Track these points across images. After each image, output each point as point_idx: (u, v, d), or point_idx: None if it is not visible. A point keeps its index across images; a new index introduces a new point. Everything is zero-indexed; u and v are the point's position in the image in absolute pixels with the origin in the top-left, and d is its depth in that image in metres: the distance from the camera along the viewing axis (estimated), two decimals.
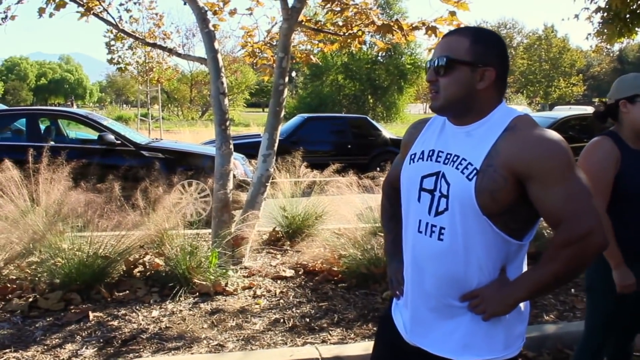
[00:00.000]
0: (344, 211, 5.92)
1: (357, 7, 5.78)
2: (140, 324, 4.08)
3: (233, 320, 4.19)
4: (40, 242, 4.83)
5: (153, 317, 4.21)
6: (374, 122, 14.67)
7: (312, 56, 6.79)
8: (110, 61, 18.42)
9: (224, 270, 4.85)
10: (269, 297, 4.68)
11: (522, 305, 1.74)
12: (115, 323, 4.09)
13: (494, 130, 1.67)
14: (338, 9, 5.81)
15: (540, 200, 1.61)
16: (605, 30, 9.63)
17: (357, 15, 5.88)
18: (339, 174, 6.92)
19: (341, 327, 4.12)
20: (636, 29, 9.33)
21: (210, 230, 5.58)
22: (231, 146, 5.45)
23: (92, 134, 9.03)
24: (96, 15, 6.20)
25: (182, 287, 4.59)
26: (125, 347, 3.75)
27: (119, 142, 8.24)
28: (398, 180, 1.94)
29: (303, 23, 5.84)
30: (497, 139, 1.65)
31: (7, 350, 3.65)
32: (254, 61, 6.82)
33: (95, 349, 3.71)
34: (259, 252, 5.90)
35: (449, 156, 1.72)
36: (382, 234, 2.22)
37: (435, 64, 1.70)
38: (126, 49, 18.55)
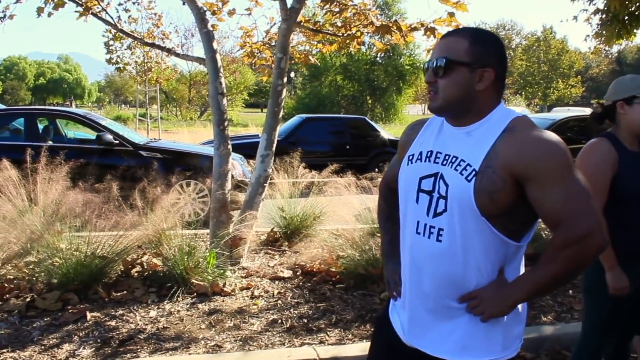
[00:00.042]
0: (342, 212, 5.92)
1: (355, 7, 5.78)
2: (138, 324, 4.08)
3: (231, 320, 4.19)
4: (37, 242, 4.82)
5: (151, 318, 4.20)
6: (372, 123, 14.68)
7: (310, 57, 6.79)
8: (109, 61, 18.43)
9: (222, 271, 4.84)
10: (266, 297, 4.68)
11: (519, 306, 1.74)
12: (113, 323, 4.09)
13: (493, 132, 1.67)
14: (337, 9, 5.81)
15: (539, 202, 1.61)
16: (604, 32, 9.64)
17: (356, 16, 5.88)
18: (338, 175, 6.92)
19: (339, 327, 4.12)
20: (635, 30, 9.35)
21: (208, 231, 5.58)
22: (229, 146, 5.45)
23: (91, 134, 9.02)
24: (95, 15, 6.20)
25: (179, 287, 4.59)
26: (123, 347, 3.74)
27: (117, 142, 8.23)
28: (395, 181, 1.94)
29: (302, 23, 5.84)
30: (495, 140, 1.65)
31: (5, 350, 3.64)
32: (253, 61, 6.82)
33: (93, 349, 3.70)
34: (257, 253, 5.89)
35: (447, 157, 1.71)
36: (380, 235, 2.22)
37: (434, 65, 1.70)
38: (125, 49, 18.59)
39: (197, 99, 48.77)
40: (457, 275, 1.69)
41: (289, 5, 5.30)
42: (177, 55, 6.84)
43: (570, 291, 4.88)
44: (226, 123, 5.44)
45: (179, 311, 4.32)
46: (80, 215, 5.09)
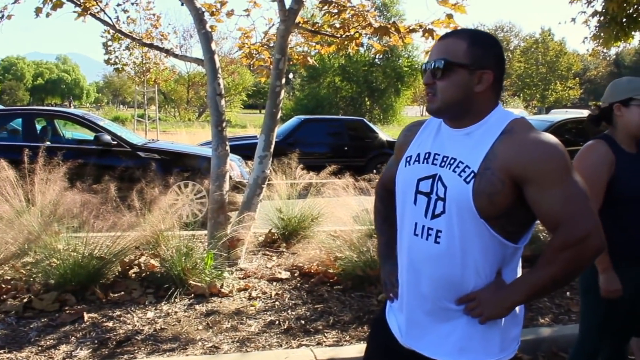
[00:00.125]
0: (340, 213, 5.91)
1: (354, 9, 5.78)
2: (135, 325, 4.07)
3: (228, 322, 4.19)
4: (35, 243, 4.81)
5: (148, 319, 4.20)
6: (370, 125, 14.68)
7: (309, 58, 6.79)
8: (107, 62, 18.41)
9: (220, 272, 4.84)
10: (264, 299, 4.67)
11: (517, 308, 1.74)
12: (110, 324, 4.08)
13: (491, 133, 1.67)
14: (335, 11, 5.81)
15: (538, 203, 1.61)
16: (602, 34, 9.66)
17: (354, 18, 5.88)
18: (336, 176, 6.92)
19: (336, 329, 4.12)
20: (632, 33, 9.36)
21: (206, 232, 5.58)
22: (227, 147, 5.44)
23: (89, 135, 9.02)
24: (93, 15, 6.19)
25: (177, 288, 4.58)
26: (120, 348, 3.74)
27: (115, 142, 8.23)
28: (392, 183, 1.94)
29: (300, 25, 5.84)
30: (494, 141, 1.65)
31: (1, 351, 3.64)
32: (251, 62, 6.82)
33: (90, 350, 3.69)
34: (254, 254, 5.89)
35: (445, 159, 1.71)
36: (377, 237, 2.22)
37: (432, 67, 1.69)
38: (123, 50, 18.57)
39: (196, 99, 48.77)
40: (455, 277, 1.69)
41: (287, 7, 5.30)
42: (176, 56, 6.84)
43: (568, 293, 4.88)
44: (224, 124, 5.44)
45: (176, 312, 4.32)
46: (77, 216, 5.08)
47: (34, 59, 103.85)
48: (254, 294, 4.75)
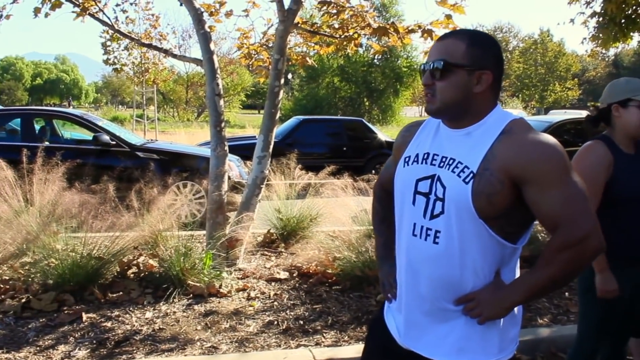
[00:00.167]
0: (338, 214, 5.91)
1: (353, 9, 5.78)
2: (134, 326, 4.07)
3: (227, 322, 4.19)
4: (33, 243, 4.81)
5: (146, 319, 4.19)
6: (369, 125, 14.68)
7: (308, 58, 6.79)
8: (106, 62, 18.38)
9: (218, 272, 4.84)
10: (263, 299, 4.67)
11: (515, 308, 1.74)
12: (109, 324, 4.08)
13: (490, 134, 1.67)
14: (334, 11, 5.81)
15: (537, 204, 1.61)
16: (601, 35, 9.66)
17: (353, 18, 5.88)
18: (334, 177, 6.92)
19: (335, 329, 4.12)
20: (631, 34, 9.37)
21: (204, 232, 5.57)
22: (226, 148, 5.44)
23: (87, 135, 9.02)
24: (92, 15, 6.19)
25: (175, 288, 4.58)
26: (119, 348, 3.74)
27: (113, 142, 8.23)
28: (389, 183, 1.94)
29: (299, 25, 5.84)
30: (493, 142, 1.65)
31: (0, 351, 3.63)
32: (250, 63, 6.82)
33: (88, 350, 3.69)
34: (253, 254, 5.89)
35: (444, 159, 1.71)
36: (374, 237, 2.22)
37: (431, 67, 1.69)
38: (122, 50, 18.53)
39: (194, 100, 48.75)
40: (454, 278, 1.69)
41: (286, 7, 5.30)
42: (175, 56, 6.84)
43: (567, 293, 4.89)
44: (223, 124, 5.44)
45: (175, 312, 4.31)
46: (76, 216, 5.08)
47: (32, 59, 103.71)
48: (252, 294, 4.75)
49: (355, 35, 6.00)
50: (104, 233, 4.81)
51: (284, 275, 5.22)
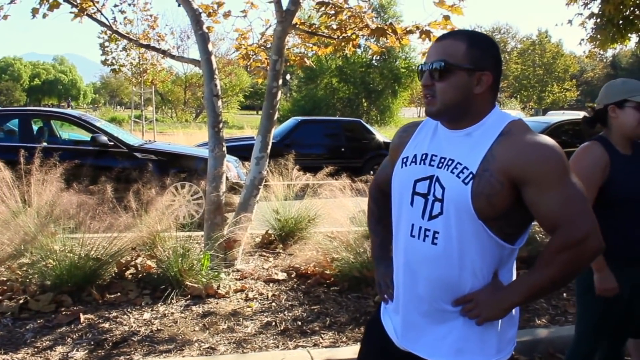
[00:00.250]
0: (336, 214, 5.92)
1: (351, 10, 5.78)
2: (132, 327, 4.07)
3: (225, 323, 4.18)
4: (31, 244, 4.80)
5: (144, 320, 4.19)
6: (367, 126, 14.69)
7: (306, 59, 6.79)
8: (104, 62, 18.34)
9: (216, 273, 4.83)
10: (261, 300, 4.67)
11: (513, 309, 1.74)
12: (107, 325, 4.07)
13: (489, 135, 1.67)
14: (332, 12, 5.82)
15: (536, 205, 1.61)
16: (599, 36, 9.68)
17: (352, 19, 5.88)
18: (332, 177, 6.93)
19: (333, 330, 4.11)
20: (629, 35, 9.39)
21: (202, 233, 5.57)
22: (224, 148, 5.44)
23: (85, 135, 9.01)
24: (90, 16, 6.19)
25: (174, 289, 4.58)
26: (116, 349, 3.73)
27: (111, 143, 8.22)
28: (386, 184, 1.94)
29: (297, 26, 5.84)
30: (492, 143, 1.65)
31: None
32: (248, 63, 6.82)
33: (86, 351, 3.69)
34: (251, 255, 5.89)
35: (443, 160, 1.71)
36: (370, 238, 2.22)
37: (431, 68, 1.69)
38: (120, 51, 18.50)
39: (193, 100, 48.74)
40: (452, 279, 1.69)
41: (284, 8, 5.30)
42: (173, 57, 6.84)
43: (565, 294, 4.89)
44: (221, 125, 5.44)
45: (172, 313, 4.31)
46: (74, 216, 5.07)
47: (31, 59, 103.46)
48: (250, 295, 4.75)
49: (354, 36, 6.00)
50: (102, 234, 4.80)
51: (282, 276, 5.22)
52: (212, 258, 4.91)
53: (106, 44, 17.32)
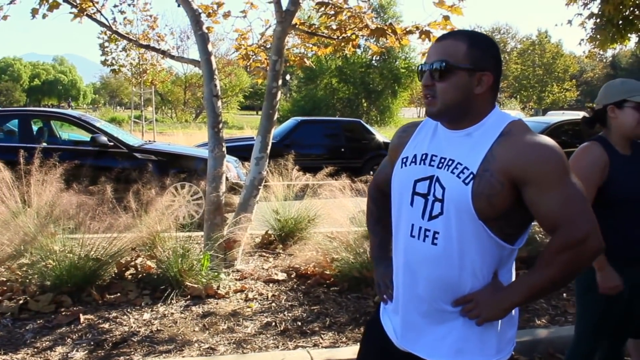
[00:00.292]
0: (336, 215, 5.91)
1: (351, 10, 5.78)
2: (132, 327, 4.07)
3: (225, 323, 4.18)
4: (31, 244, 4.80)
5: (144, 320, 4.19)
6: (367, 126, 14.69)
7: (306, 59, 6.79)
8: (104, 63, 18.35)
9: (216, 273, 4.83)
10: (261, 300, 4.67)
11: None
12: (106, 326, 4.07)
13: (490, 135, 1.67)
14: (332, 12, 5.82)
15: (536, 205, 1.61)
16: (598, 36, 9.69)
17: (351, 19, 5.88)
18: (332, 178, 6.93)
19: (333, 330, 4.11)
20: (629, 35, 9.40)
21: (202, 233, 5.57)
22: (224, 149, 5.44)
23: (85, 136, 9.00)
24: (89, 16, 6.19)
25: (173, 289, 4.58)
26: (116, 350, 3.73)
27: (111, 143, 8.22)
28: (384, 184, 1.94)
29: (297, 26, 5.84)
30: (492, 143, 1.65)
31: None
32: (248, 64, 6.82)
33: (86, 351, 3.69)
34: (251, 255, 5.89)
35: (443, 160, 1.71)
36: (369, 238, 2.22)
37: (432, 69, 1.69)
38: (120, 51, 18.51)
39: (193, 101, 48.73)
40: (452, 279, 1.69)
41: (284, 8, 5.31)
42: (172, 57, 6.84)
43: (565, 294, 4.89)
44: (221, 125, 5.44)
45: (172, 314, 4.31)
46: (74, 217, 5.07)
47: (30, 60, 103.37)
48: (250, 295, 4.75)
49: (353, 37, 6.00)
50: (102, 234, 4.80)
51: (281, 276, 5.22)
52: (212, 258, 4.91)
53: (106, 44, 17.32)
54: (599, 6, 9.32)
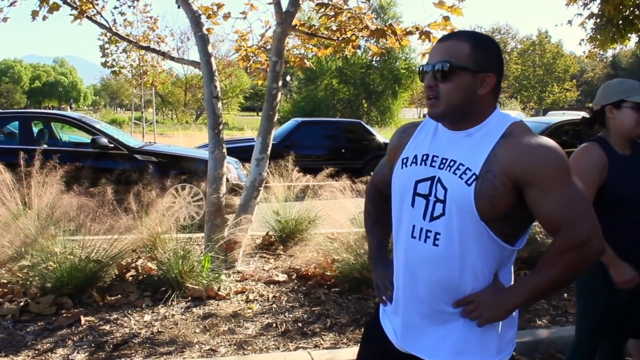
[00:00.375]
0: (337, 216, 5.91)
1: (351, 11, 5.78)
2: (132, 329, 4.07)
3: (225, 324, 4.18)
4: (31, 246, 4.80)
5: (145, 322, 4.19)
6: (367, 127, 14.69)
7: (306, 60, 6.79)
8: (104, 64, 18.36)
9: (217, 275, 4.83)
10: (261, 301, 4.67)
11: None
12: (107, 327, 4.07)
13: (492, 136, 1.67)
14: (332, 13, 5.82)
15: (538, 206, 1.61)
16: (598, 36, 9.70)
17: (351, 20, 5.88)
18: (333, 179, 6.93)
19: (334, 331, 4.11)
20: (629, 35, 9.40)
21: (203, 235, 5.57)
22: (224, 150, 5.44)
23: (86, 137, 9.01)
24: (90, 18, 6.19)
25: (174, 291, 4.58)
26: (117, 351, 3.73)
27: (112, 145, 8.22)
28: (383, 184, 1.94)
29: (297, 27, 5.84)
30: (494, 144, 1.65)
31: None
32: (248, 65, 6.82)
33: (87, 353, 3.69)
34: (251, 257, 5.89)
35: (444, 161, 1.71)
36: (367, 239, 2.22)
37: (435, 69, 1.68)
38: (120, 52, 18.52)
39: (193, 102, 48.74)
40: (453, 280, 1.68)
41: (284, 9, 5.31)
42: (173, 58, 6.84)
43: (565, 294, 4.88)
44: (221, 126, 5.44)
45: (173, 315, 4.31)
46: (74, 219, 5.07)
47: (31, 61, 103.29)
48: (251, 296, 4.75)
49: (353, 37, 6.00)
50: (103, 236, 4.81)
51: (282, 277, 5.22)
52: (213, 260, 4.91)
53: (106, 45, 17.34)
54: (599, 6, 9.33)
